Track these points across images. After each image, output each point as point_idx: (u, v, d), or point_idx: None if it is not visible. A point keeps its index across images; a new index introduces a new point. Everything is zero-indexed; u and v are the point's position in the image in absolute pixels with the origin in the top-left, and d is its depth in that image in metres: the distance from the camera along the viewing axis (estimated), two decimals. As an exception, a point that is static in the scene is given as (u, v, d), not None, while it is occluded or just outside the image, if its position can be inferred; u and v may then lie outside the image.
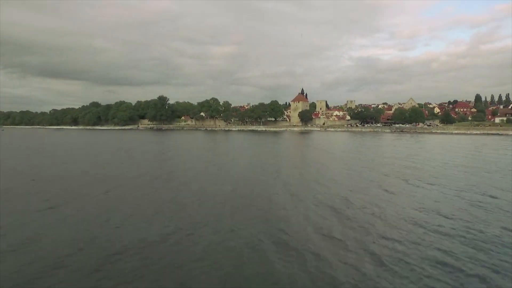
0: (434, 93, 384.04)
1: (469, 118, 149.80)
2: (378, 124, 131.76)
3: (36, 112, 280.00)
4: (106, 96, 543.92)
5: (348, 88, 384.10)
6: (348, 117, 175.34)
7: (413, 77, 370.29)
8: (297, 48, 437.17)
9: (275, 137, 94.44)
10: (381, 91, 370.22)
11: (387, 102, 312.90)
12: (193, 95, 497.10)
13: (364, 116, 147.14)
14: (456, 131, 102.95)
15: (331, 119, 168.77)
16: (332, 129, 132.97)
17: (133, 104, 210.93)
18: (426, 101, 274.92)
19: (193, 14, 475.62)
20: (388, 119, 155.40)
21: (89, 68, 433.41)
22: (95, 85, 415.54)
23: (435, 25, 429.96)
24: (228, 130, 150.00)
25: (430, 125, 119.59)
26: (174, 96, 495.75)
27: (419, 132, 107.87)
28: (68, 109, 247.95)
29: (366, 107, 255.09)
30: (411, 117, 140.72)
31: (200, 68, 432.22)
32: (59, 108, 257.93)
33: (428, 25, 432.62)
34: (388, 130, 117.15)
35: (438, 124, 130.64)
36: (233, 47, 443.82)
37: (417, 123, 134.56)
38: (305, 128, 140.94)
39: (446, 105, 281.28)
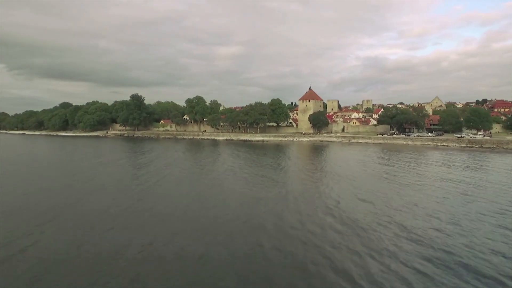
0: (443, 92, 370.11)
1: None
2: (429, 134, 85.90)
3: (17, 114, 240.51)
4: (112, 97, 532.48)
5: (354, 88, 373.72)
6: (373, 121, 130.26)
7: (421, 76, 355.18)
8: (303, 48, 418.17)
9: (276, 157, 51.45)
10: (389, 91, 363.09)
11: (403, 102, 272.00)
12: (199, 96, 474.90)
13: (401, 120, 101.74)
14: None
15: (351, 123, 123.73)
16: (361, 140, 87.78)
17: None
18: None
19: (199, 14, 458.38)
20: (431, 124, 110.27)
21: (95, 69, 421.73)
22: (101, 86, 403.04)
23: (445, 23, 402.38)
24: (214, 140, 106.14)
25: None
26: (180, 97, 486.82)
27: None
28: (42, 110, 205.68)
29: (385, 107, 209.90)
30: (471, 121, 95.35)
31: (206, 69, 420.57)
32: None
33: (438, 23, 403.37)
34: (453, 144, 71.63)
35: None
36: (239, 47, 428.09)
37: (486, 131, 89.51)
38: (320, 139, 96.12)
39: (473, 104, 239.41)
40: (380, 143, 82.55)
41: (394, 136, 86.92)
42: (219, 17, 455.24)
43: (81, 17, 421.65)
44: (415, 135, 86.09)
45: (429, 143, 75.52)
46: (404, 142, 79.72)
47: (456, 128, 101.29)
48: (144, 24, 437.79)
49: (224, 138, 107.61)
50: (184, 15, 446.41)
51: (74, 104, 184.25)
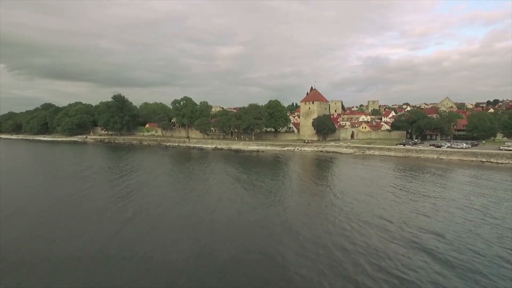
0: (445, 92, 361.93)
1: None
2: (463, 144, 67.69)
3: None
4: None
5: (356, 88, 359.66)
6: (385, 125, 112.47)
7: (423, 76, 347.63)
8: (305, 48, 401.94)
9: (272, 181, 34.58)
10: (390, 91, 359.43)
11: (408, 103, 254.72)
12: (199, 96, 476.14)
13: (423, 125, 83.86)
14: None
15: (361, 128, 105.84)
16: (378, 152, 69.79)
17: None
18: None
19: (200, 14, 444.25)
20: (456, 130, 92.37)
21: (96, 69, 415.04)
22: (102, 87, 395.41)
23: (447, 23, 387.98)
24: (201, 149, 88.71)
25: None
26: (180, 97, 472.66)
27: None
28: (26, 112, 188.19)
29: (392, 107, 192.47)
30: (510, 127, 77.50)
31: (207, 69, 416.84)
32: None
33: (440, 23, 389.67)
34: (506, 161, 53.75)
35: None
36: (240, 47, 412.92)
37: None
38: (326, 149, 78.36)
39: (484, 105, 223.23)
40: (403, 157, 64.67)
41: (421, 147, 68.86)
42: (220, 17, 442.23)
43: (81, 17, 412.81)
44: (446, 145, 67.93)
45: (471, 158, 57.54)
46: (436, 156, 61.78)
47: (487, 135, 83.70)
48: (145, 24, 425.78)
49: (213, 146, 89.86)
50: (185, 15, 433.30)
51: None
